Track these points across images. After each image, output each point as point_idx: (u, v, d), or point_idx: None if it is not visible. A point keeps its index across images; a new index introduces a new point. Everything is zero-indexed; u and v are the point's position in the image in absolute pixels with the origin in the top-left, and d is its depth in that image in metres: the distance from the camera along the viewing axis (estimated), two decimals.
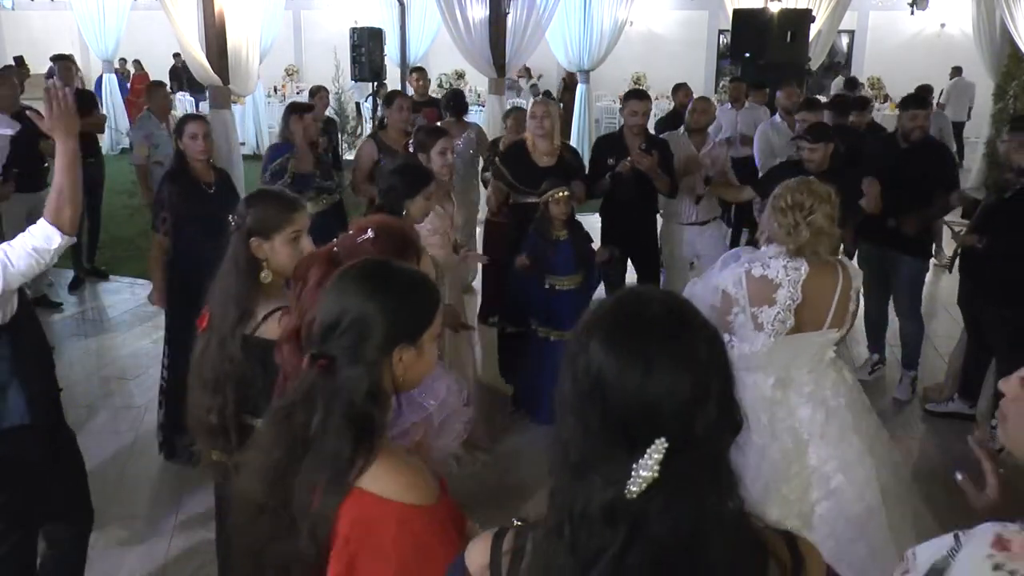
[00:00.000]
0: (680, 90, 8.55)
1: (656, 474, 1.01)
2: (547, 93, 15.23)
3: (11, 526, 2.56)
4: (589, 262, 4.43)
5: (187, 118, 4.29)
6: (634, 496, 1.02)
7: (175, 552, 3.50)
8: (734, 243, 7.91)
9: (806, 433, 2.78)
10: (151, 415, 4.68)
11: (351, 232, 1.94)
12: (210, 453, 2.32)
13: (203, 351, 2.28)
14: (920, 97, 5.23)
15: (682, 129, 5.51)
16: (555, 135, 4.85)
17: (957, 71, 13.74)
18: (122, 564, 3.40)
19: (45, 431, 2.63)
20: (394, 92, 6.26)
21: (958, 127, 12.38)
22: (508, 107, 7.94)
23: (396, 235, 1.95)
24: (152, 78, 16.21)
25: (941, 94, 13.49)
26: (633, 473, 1.02)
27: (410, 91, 8.05)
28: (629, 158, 4.73)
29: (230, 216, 2.37)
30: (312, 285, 1.68)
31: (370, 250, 1.81)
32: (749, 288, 2.79)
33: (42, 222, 2.43)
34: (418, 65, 9.87)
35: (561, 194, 4.25)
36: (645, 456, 1.02)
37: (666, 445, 1.02)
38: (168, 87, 7.12)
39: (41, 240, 2.42)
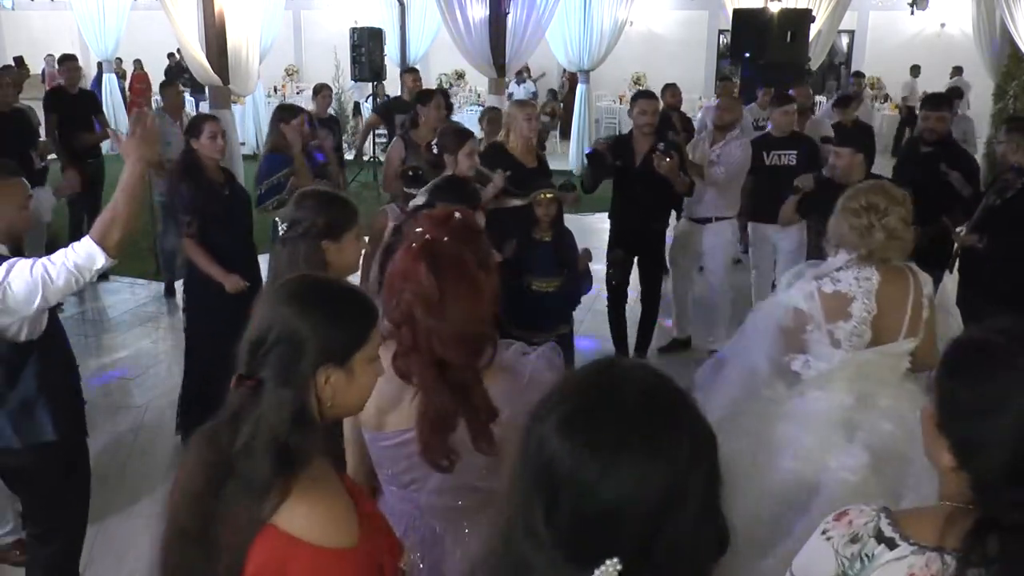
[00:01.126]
0: (668, 90, 8.34)
1: None
2: (553, 92, 15.22)
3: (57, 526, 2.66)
4: (571, 265, 4.35)
5: (205, 118, 4.26)
6: None
7: None
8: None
9: (885, 450, 2.64)
10: (151, 415, 4.69)
11: (430, 222, 1.82)
12: None
13: None
14: (936, 97, 5.18)
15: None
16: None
17: (958, 71, 13.76)
18: (122, 564, 3.40)
19: (69, 446, 2.66)
20: (430, 91, 6.20)
21: None
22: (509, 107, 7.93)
23: (475, 225, 1.88)
24: (152, 78, 16.32)
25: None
26: None
27: (403, 91, 8.05)
28: (603, 139, 4.72)
29: (280, 222, 2.29)
30: (427, 283, 1.63)
31: (461, 235, 1.73)
32: (823, 304, 2.66)
33: (87, 240, 2.37)
34: (414, 66, 9.87)
35: (548, 195, 4.19)
36: None
37: (619, 567, 0.83)
38: (180, 86, 7.10)
39: (83, 258, 2.35)
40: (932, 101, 4.97)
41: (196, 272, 4.08)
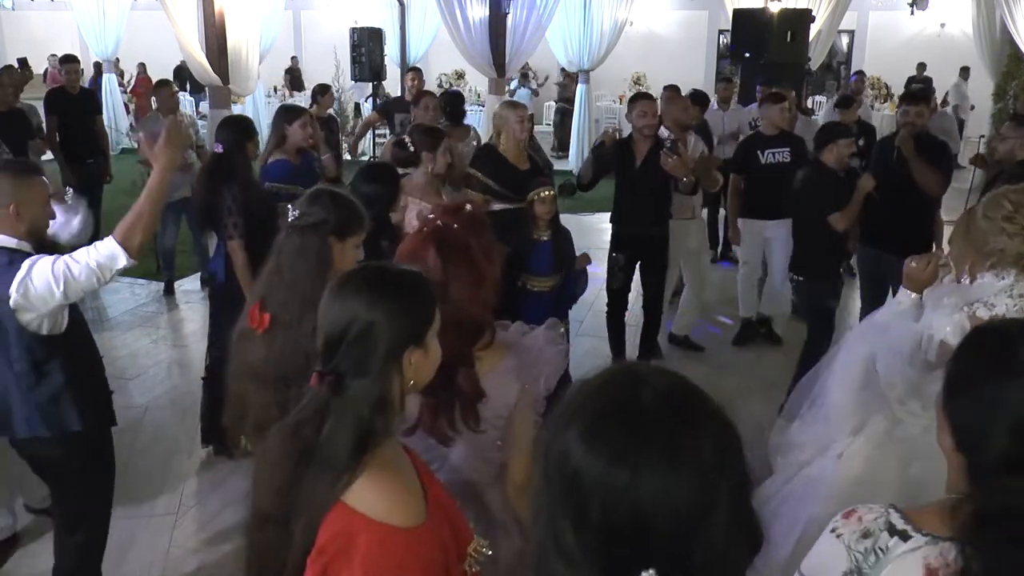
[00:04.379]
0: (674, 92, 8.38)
1: None
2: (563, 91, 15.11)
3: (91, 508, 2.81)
4: (568, 265, 4.36)
5: (251, 121, 4.34)
6: None
7: (175, 552, 3.50)
8: (712, 243, 7.93)
9: None
10: (151, 415, 4.69)
11: (442, 211, 1.95)
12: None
13: (266, 352, 2.16)
14: (910, 94, 5.27)
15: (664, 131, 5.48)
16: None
17: (965, 71, 13.70)
18: (122, 564, 3.40)
19: (96, 436, 2.75)
20: (423, 92, 6.20)
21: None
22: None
23: (482, 217, 1.98)
24: (151, 80, 16.33)
25: (947, 94, 13.52)
26: None
27: (403, 91, 8.05)
28: (610, 129, 4.72)
29: (292, 211, 2.27)
30: (433, 265, 1.75)
31: (469, 225, 1.86)
32: None
33: (110, 240, 2.45)
34: (415, 65, 9.87)
35: (547, 192, 4.19)
36: None
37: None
38: (175, 86, 7.11)
39: (106, 257, 2.44)
40: (910, 97, 5.02)
41: (232, 282, 3.94)
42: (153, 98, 12.10)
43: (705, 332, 5.97)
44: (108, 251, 2.44)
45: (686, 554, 0.83)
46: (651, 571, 0.82)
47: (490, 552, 1.48)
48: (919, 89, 6.29)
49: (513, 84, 14.27)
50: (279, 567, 1.43)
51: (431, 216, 1.87)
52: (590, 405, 0.89)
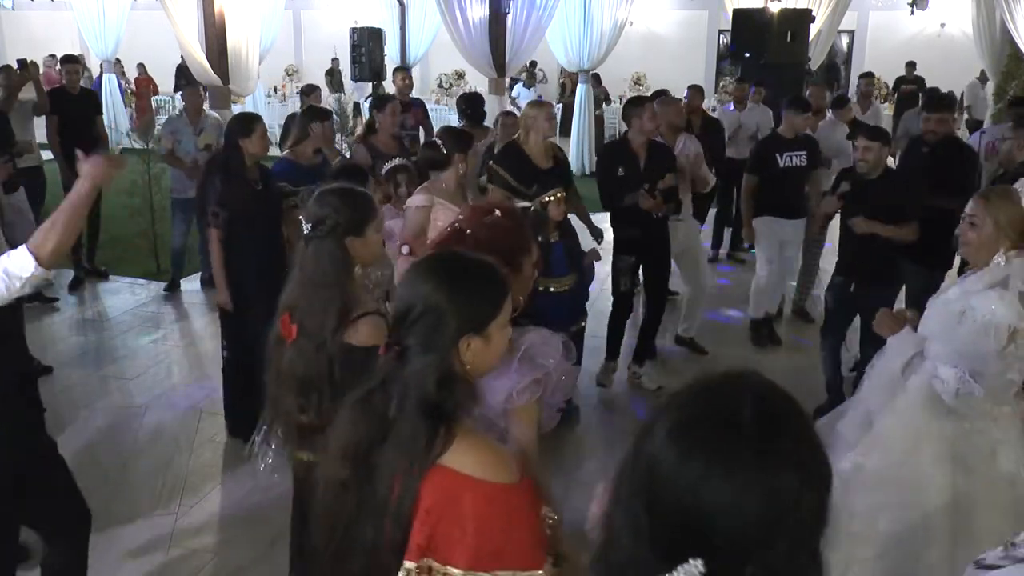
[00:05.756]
0: (691, 90, 7.94)
1: None
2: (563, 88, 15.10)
3: None
4: (579, 263, 4.40)
5: (253, 118, 4.37)
6: None
7: (175, 552, 3.50)
8: (717, 242, 7.93)
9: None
10: (151, 415, 4.69)
11: (474, 213, 2.01)
12: (299, 454, 2.37)
13: (293, 359, 2.26)
14: (937, 100, 5.23)
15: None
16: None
17: (984, 76, 13.45)
18: (122, 563, 3.40)
19: (17, 451, 2.52)
20: (386, 96, 6.28)
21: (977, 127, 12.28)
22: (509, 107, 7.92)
23: (516, 218, 2.02)
24: (153, 79, 16.34)
25: (962, 95, 13.44)
26: None
27: (393, 91, 8.03)
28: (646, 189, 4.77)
29: (305, 222, 2.29)
30: None
31: (501, 228, 1.92)
32: None
33: (23, 248, 2.30)
34: (400, 66, 9.83)
35: (560, 195, 4.22)
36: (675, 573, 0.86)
37: (702, 570, 0.84)
38: (200, 88, 7.17)
39: (15, 265, 2.27)
40: (932, 104, 5.00)
41: (236, 285, 4.15)
42: (159, 98, 12.00)
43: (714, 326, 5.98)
44: (19, 258, 2.27)
45: (742, 562, 0.85)
46: (699, 561, 0.84)
47: (555, 518, 1.53)
48: (943, 95, 6.07)
49: (517, 88, 14.24)
50: (360, 538, 1.48)
51: (461, 218, 1.94)
52: (687, 406, 0.91)
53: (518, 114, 5.93)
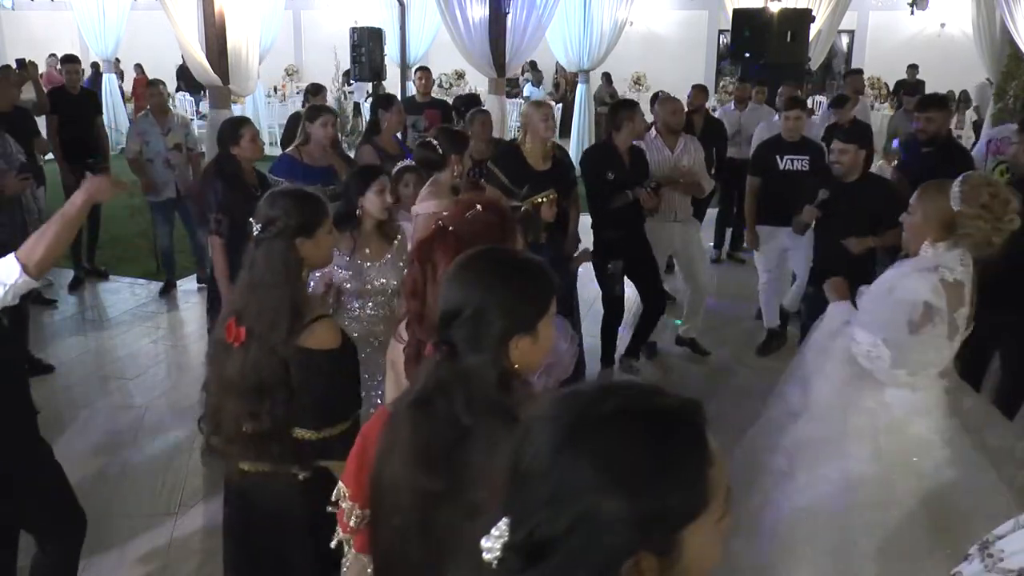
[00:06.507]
0: (694, 89, 7.68)
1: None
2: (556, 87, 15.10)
3: None
4: (564, 267, 4.37)
5: (241, 122, 4.37)
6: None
7: (175, 552, 3.50)
8: (719, 242, 7.92)
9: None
10: (151, 415, 4.69)
11: (457, 209, 2.00)
12: (241, 464, 2.27)
13: (242, 364, 2.17)
14: (926, 99, 5.20)
15: (654, 132, 5.42)
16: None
17: (988, 83, 13.34)
18: (121, 564, 3.40)
19: (10, 457, 2.53)
20: (392, 96, 6.25)
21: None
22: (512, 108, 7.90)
23: (500, 211, 2.02)
24: (151, 79, 16.32)
25: (969, 96, 13.42)
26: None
27: (412, 90, 8.03)
28: (650, 185, 4.75)
29: (254, 222, 2.26)
30: (446, 267, 1.76)
31: (481, 223, 1.90)
32: (948, 295, 2.64)
33: (11, 256, 2.31)
34: (422, 65, 9.85)
35: (552, 196, 4.21)
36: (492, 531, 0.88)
37: (505, 533, 0.86)
38: (163, 86, 7.13)
39: (2, 272, 2.29)
40: (921, 103, 5.00)
41: (235, 279, 4.07)
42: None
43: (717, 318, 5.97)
44: (6, 265, 2.29)
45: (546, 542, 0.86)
46: (505, 520, 0.86)
47: None
48: (934, 94, 6.02)
49: (528, 87, 14.21)
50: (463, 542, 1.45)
51: (445, 215, 1.93)
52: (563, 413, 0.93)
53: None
